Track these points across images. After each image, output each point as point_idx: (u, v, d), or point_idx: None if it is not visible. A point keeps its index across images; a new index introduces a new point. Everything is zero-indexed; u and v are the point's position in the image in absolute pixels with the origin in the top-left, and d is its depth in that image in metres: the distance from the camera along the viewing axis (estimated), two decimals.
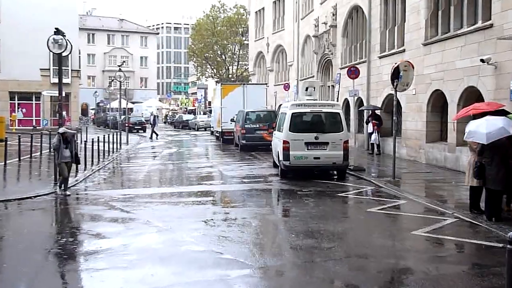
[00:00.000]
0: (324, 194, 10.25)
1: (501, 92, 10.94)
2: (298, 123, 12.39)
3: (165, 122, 57.38)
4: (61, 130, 10.51)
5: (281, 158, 12.32)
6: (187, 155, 20.27)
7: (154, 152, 21.36)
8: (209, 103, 59.21)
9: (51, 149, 16.28)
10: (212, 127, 31.14)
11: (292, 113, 12.30)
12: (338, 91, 16.78)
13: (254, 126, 20.55)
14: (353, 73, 15.28)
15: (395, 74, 11.39)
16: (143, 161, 17.77)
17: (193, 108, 65.27)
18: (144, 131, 37.71)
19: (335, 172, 12.76)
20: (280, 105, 24.28)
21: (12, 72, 29.94)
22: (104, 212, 8.72)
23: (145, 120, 40.47)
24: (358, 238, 6.77)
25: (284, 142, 12.12)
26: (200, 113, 54.74)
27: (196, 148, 24.02)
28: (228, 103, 24.10)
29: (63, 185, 10.43)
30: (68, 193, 10.23)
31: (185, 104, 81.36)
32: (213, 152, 22.35)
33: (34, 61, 29.78)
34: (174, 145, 26.12)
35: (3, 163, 13.78)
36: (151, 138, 28.96)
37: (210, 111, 38.20)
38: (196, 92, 73.95)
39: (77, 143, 11.31)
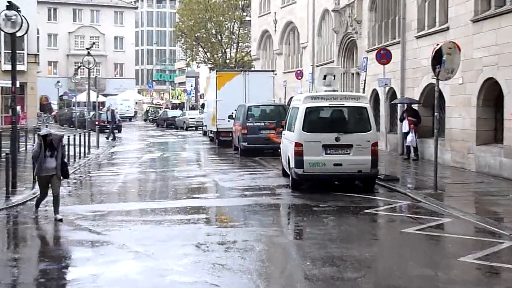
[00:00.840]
0: (347, 211, 10.34)
1: None
2: (314, 121, 12.51)
3: (145, 120, 57.66)
4: (44, 131, 9.95)
5: (292, 165, 12.40)
6: (173, 162, 20.38)
7: (131, 158, 21.50)
8: (202, 95, 59.57)
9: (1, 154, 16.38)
10: (205, 125, 31.27)
11: (307, 108, 12.41)
12: (365, 80, 16.78)
13: (258, 124, 20.72)
14: (384, 57, 15.28)
15: (437, 59, 11.39)
16: (118, 168, 17.88)
17: (181, 102, 65.65)
18: (120, 131, 37.62)
19: (361, 183, 12.83)
20: (291, 98, 24.33)
21: None
22: (68, 234, 8.79)
23: (120, 117, 40.94)
24: (391, 267, 6.78)
25: (296, 144, 12.21)
26: (189, 108, 55.01)
27: (185, 152, 24.06)
28: (225, 96, 24.29)
29: (39, 205, 10.17)
30: (59, 217, 9.65)
31: (172, 97, 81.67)
32: (206, 157, 22.48)
33: None
34: (157, 148, 26.23)
35: None
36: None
37: (203, 106, 38.46)
38: (184, 82, 74.17)
39: (65, 149, 10.84)
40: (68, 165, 16.38)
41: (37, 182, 10.33)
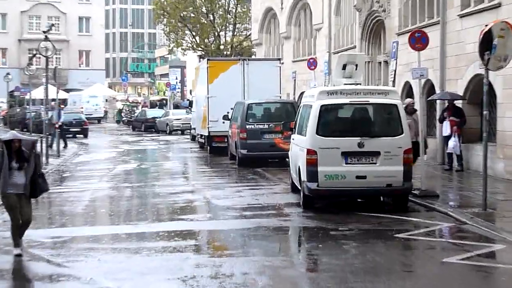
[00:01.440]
0: (374, 235, 10.36)
1: None
2: (331, 122, 12.72)
3: (118, 122, 58.09)
4: (7, 136, 9.41)
5: (304, 177, 12.48)
6: (153, 174, 20.56)
7: (101, 170, 21.58)
8: (190, 91, 59.60)
9: None
10: (194, 128, 31.34)
11: (322, 106, 12.49)
12: (395, 71, 16.78)
13: (261, 127, 20.95)
14: (419, 41, 15.24)
15: (486, 43, 11.36)
16: (84, 183, 17.94)
17: (163, 99, 65.87)
18: (86, 136, 38.02)
19: (391, 200, 12.93)
20: (302, 93, 24.32)
21: None
22: (21, 266, 8.75)
23: (86, 118, 41.01)
24: None
25: (309, 152, 12.31)
26: (174, 107, 55.10)
27: (169, 162, 24.41)
28: (219, 91, 24.47)
29: (19, 234, 9.35)
30: (18, 251, 9.21)
31: (152, 93, 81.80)
32: (195, 168, 22.67)
33: None
34: (133, 157, 26.41)
35: None
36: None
37: (190, 104, 38.40)
38: (167, 74, 74.38)
39: (40, 159, 10.22)
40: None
41: (2, 204, 9.90)
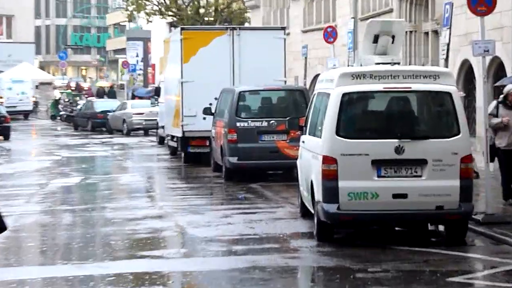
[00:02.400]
0: (418, 279, 10.31)
1: None
2: (358, 118, 12.90)
3: (54, 117, 58.40)
4: None
5: (319, 196, 12.52)
6: (104, 192, 20.59)
7: (29, 186, 21.43)
8: (159, 73, 59.35)
9: None
10: (162, 127, 31.55)
11: (345, 95, 12.52)
12: (448, 44, 16.80)
13: (258, 124, 21.05)
14: (482, 2, 15.26)
15: None
16: (5, 206, 17.25)
17: (116, 85, 65.88)
18: (7, 137, 37.78)
19: (443, 229, 12.99)
20: (317, 76, 24.21)
21: None
22: None
23: (7, 112, 40.49)
24: None
25: (326, 160, 12.33)
26: (133, 97, 54.82)
27: (127, 175, 24.50)
28: (199, 73, 24.77)
29: None
30: None
31: (102, 76, 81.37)
32: (164, 184, 22.74)
33: None
34: (75, 168, 26.45)
35: None
36: None
37: (157, 92, 38.12)
38: (124, 50, 74.13)
39: None
40: None
41: None
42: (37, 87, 62.82)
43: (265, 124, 20.96)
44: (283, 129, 20.60)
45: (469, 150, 12.57)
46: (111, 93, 60.43)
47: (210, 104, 23.35)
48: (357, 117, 12.83)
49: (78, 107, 51.53)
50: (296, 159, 15.51)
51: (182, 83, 25.09)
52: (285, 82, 24.90)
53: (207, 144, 24.05)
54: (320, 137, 12.80)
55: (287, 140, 20.20)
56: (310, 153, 13.53)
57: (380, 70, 12.89)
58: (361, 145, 12.31)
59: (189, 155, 25.58)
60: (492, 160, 15.20)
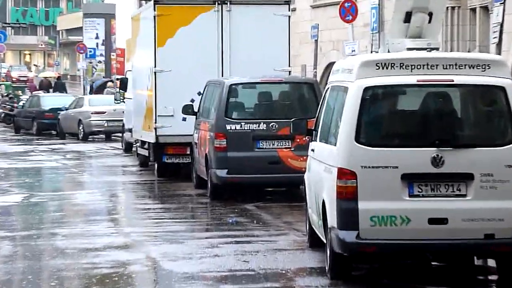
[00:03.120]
0: None
1: None
2: (384, 119, 12.48)
3: None
4: None
5: (332, 221, 12.14)
6: (55, 215, 20.27)
7: None
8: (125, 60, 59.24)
9: None
10: (130, 130, 31.42)
11: (367, 90, 12.13)
12: (501, 24, 16.70)
13: (253, 127, 20.61)
14: None
15: None
16: None
17: (74, 75, 65.86)
18: None
19: (493, 263, 12.71)
20: (330, 65, 23.99)
21: None
22: None
23: None
24: None
25: (343, 174, 11.85)
26: (91, 91, 54.75)
27: (83, 192, 24.46)
28: (178, 60, 24.50)
29: None
30: None
31: (56, 62, 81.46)
32: (131, 204, 22.48)
33: None
34: (16, 183, 26.56)
35: None
36: None
37: (123, 85, 38.01)
38: (80, 29, 74.35)
39: None
40: None
41: None
42: None
43: (263, 127, 20.50)
44: (286, 134, 19.96)
45: None
46: (58, 86, 60.21)
47: (192, 100, 22.97)
48: (383, 119, 12.45)
49: (21, 103, 51.53)
50: (303, 172, 15.12)
51: (155, 73, 24.44)
52: (290, 72, 24.20)
53: (188, 152, 23.76)
54: (335, 145, 12.30)
55: (292, 148, 19.77)
56: (322, 165, 13.06)
57: (413, 57, 12.57)
58: (388, 155, 11.93)
59: (164, 167, 25.16)
60: None
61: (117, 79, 46.06)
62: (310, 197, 14.23)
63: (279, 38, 24.13)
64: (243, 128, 20.29)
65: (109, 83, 54.18)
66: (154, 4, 25.24)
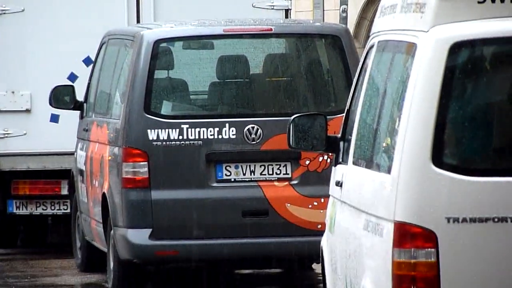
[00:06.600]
0: None
1: None
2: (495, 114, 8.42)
3: None
4: None
5: None
6: None
7: None
8: None
9: None
10: None
11: (453, 49, 8.06)
12: None
13: (207, 134, 12.79)
14: None
15: None
16: None
17: None
18: None
19: None
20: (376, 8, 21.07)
21: None
22: None
23: None
24: None
25: (408, 235, 8.18)
26: None
27: None
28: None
29: None
30: None
31: None
32: None
33: None
34: None
35: None
36: None
37: None
38: None
39: None
40: None
41: None
42: None
43: (229, 134, 12.97)
44: (280, 149, 12.43)
45: None
46: None
47: (72, 77, 15.70)
48: (483, 112, 7.65)
49: None
50: (320, 233, 9.92)
51: None
52: (288, 12, 16.65)
53: (63, 192, 16.40)
54: (389, 172, 7.59)
55: (293, 179, 12.70)
56: (361, 217, 8.57)
57: None
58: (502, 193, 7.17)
59: (10, 226, 17.08)
60: None
61: None
62: (333, 284, 9.76)
63: None
64: (185, 138, 12.82)
65: None
66: None
